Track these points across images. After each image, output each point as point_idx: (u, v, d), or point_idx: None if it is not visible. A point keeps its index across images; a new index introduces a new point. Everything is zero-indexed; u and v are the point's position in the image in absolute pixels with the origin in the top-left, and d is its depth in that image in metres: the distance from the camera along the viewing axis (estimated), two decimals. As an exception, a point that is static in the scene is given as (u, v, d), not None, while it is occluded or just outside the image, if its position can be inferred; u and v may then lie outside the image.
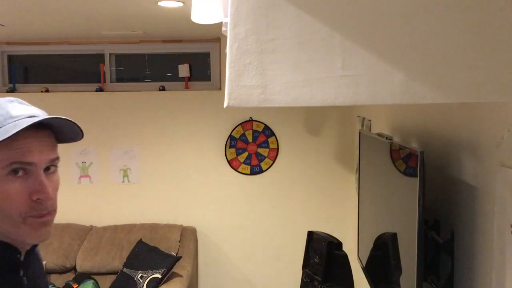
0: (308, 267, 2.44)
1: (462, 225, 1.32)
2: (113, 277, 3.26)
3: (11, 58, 4.10)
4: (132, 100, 3.86)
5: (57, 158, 0.92)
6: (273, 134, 3.67)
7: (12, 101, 0.90)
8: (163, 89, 3.91)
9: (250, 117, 3.73)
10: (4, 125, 0.85)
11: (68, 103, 3.79)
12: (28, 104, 0.93)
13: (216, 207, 3.77)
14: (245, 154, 3.72)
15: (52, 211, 0.91)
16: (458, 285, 1.35)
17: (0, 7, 2.64)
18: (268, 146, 3.70)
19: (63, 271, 3.40)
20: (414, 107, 1.83)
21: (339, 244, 2.32)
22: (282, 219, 3.78)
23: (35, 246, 1.02)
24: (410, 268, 1.37)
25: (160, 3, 2.53)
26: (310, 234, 2.46)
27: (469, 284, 1.28)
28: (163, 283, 3.05)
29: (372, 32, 0.75)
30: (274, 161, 3.72)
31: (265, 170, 3.73)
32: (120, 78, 4.13)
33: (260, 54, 0.76)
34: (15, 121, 0.85)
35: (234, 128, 3.70)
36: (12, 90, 4.00)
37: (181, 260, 3.22)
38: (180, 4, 2.55)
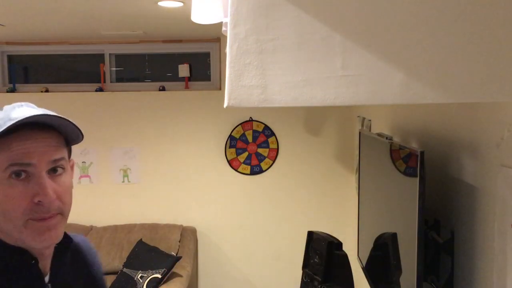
0: (308, 267, 2.44)
1: (462, 225, 1.32)
2: (113, 277, 3.26)
3: (11, 58, 4.10)
4: (132, 100, 3.86)
5: (62, 159, 0.88)
6: (273, 134, 3.67)
7: (21, 106, 0.88)
8: (163, 89, 3.91)
9: (250, 117, 3.73)
10: (2, 128, 0.83)
11: (68, 103, 3.79)
12: (40, 108, 0.89)
13: (216, 207, 3.77)
14: (245, 154, 3.71)
15: (57, 214, 0.86)
16: (458, 285, 1.35)
17: (0, 7, 2.64)
18: (268, 146, 3.70)
19: (63, 271, 3.40)
20: (414, 107, 1.83)
21: (339, 244, 2.32)
22: (282, 219, 3.78)
23: (65, 251, 0.98)
24: (410, 268, 1.37)
25: (160, 3, 2.53)
26: (310, 234, 2.46)
27: (469, 284, 1.28)
28: (163, 283, 3.05)
29: (372, 32, 0.75)
30: (274, 161, 3.72)
31: (265, 170, 3.73)
32: (120, 78, 4.13)
33: (260, 54, 0.76)
34: (12, 123, 0.82)
35: (234, 128, 3.70)
36: (12, 90, 4.00)
37: (181, 260, 3.22)
38: (180, 4, 2.55)
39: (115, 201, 3.81)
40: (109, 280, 3.30)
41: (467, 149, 1.31)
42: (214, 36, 3.80)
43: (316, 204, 3.76)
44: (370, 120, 2.77)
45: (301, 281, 2.52)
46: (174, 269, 3.14)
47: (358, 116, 3.18)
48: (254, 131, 3.69)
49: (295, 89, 0.76)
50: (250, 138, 3.71)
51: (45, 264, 0.93)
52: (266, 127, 3.69)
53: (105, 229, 3.59)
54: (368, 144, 2.17)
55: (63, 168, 0.89)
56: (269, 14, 0.75)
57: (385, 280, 1.81)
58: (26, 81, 4.20)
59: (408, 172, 1.46)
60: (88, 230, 3.60)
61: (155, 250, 3.26)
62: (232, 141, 3.71)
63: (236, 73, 0.76)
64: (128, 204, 3.78)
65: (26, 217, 0.84)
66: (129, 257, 3.26)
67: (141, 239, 3.39)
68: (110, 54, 4.02)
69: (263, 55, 0.75)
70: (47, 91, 3.97)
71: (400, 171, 1.59)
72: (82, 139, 0.95)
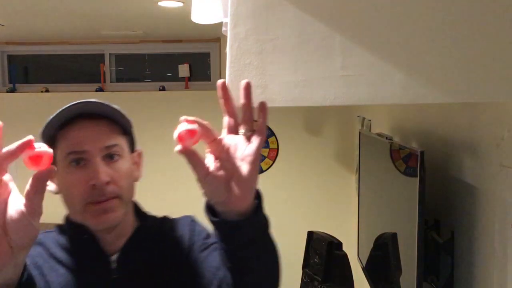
0: (308, 267, 2.44)
1: (462, 225, 1.32)
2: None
3: (11, 58, 4.10)
4: (132, 100, 3.86)
5: (115, 146, 0.94)
6: (273, 134, 3.67)
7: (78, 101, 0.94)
8: (163, 89, 3.92)
9: (250, 117, 3.72)
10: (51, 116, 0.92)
11: (68, 103, 3.78)
12: (109, 103, 0.96)
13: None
14: (245, 154, 3.71)
15: (114, 198, 0.92)
16: (458, 285, 1.35)
17: (0, 7, 2.64)
18: (268, 146, 3.70)
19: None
20: (414, 107, 1.83)
21: (339, 244, 2.32)
22: (282, 219, 3.78)
23: (142, 233, 1.00)
24: (410, 268, 1.37)
25: (160, 3, 2.53)
26: (310, 234, 2.47)
27: (469, 284, 1.28)
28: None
29: (372, 32, 0.75)
30: (274, 161, 3.72)
31: (265, 170, 3.73)
32: (120, 78, 4.13)
33: (260, 54, 0.76)
34: (59, 111, 0.92)
35: (234, 128, 3.69)
36: (12, 90, 4.00)
37: (181, 260, 3.22)
38: (180, 4, 2.55)
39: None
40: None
41: (467, 149, 1.31)
42: (214, 36, 3.80)
43: (316, 204, 3.76)
44: (370, 120, 2.77)
45: (301, 281, 2.52)
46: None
47: (358, 116, 3.18)
48: (254, 131, 3.69)
49: (295, 89, 0.76)
50: (250, 138, 3.70)
51: (113, 243, 0.97)
52: (267, 127, 3.69)
53: (105, 229, 3.59)
54: (368, 144, 2.17)
55: (119, 155, 0.95)
56: (269, 14, 0.75)
57: (385, 280, 1.81)
58: (26, 81, 4.20)
59: (408, 172, 1.46)
60: (88, 230, 3.60)
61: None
62: (232, 141, 3.71)
63: (236, 73, 0.76)
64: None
65: (84, 201, 0.91)
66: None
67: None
68: (110, 54, 4.02)
69: (263, 55, 0.75)
70: (47, 91, 3.97)
71: (400, 171, 1.59)
72: (131, 127, 1.01)
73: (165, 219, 1.09)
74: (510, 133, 1.07)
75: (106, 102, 0.94)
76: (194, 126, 0.66)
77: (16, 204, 0.63)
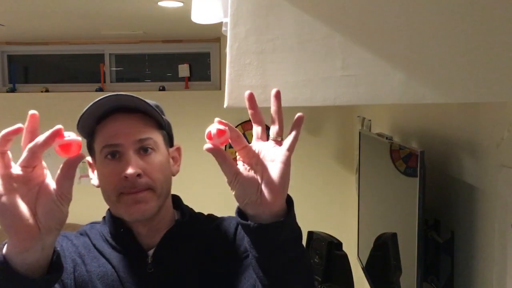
0: (308, 267, 2.43)
1: (462, 225, 1.32)
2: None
3: (11, 58, 4.10)
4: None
5: (149, 139, 0.96)
6: (273, 134, 3.66)
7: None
8: (163, 89, 3.91)
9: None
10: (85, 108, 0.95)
11: (68, 103, 3.78)
12: (144, 99, 0.97)
13: (216, 207, 3.76)
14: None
15: (146, 190, 0.94)
16: (458, 285, 1.35)
17: (0, 7, 2.64)
18: (268, 146, 3.69)
19: (63, 271, 3.40)
20: (414, 107, 1.83)
21: (339, 244, 2.32)
22: (282, 219, 3.78)
23: (179, 229, 1.01)
24: (410, 268, 1.37)
25: (160, 3, 2.53)
26: (310, 234, 2.46)
27: (469, 284, 1.28)
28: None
29: (372, 32, 0.75)
30: (274, 161, 3.71)
31: (265, 170, 3.72)
32: (120, 78, 4.13)
33: (260, 54, 0.76)
34: (92, 102, 0.94)
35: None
36: (12, 90, 4.00)
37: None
38: (180, 4, 2.55)
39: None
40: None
41: (467, 149, 1.31)
42: (214, 36, 3.80)
43: (316, 204, 3.76)
44: (370, 120, 2.77)
45: (301, 281, 2.52)
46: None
47: (358, 116, 3.18)
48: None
49: (295, 89, 0.76)
50: (250, 138, 3.70)
51: (150, 237, 0.99)
52: (266, 127, 3.68)
53: (105, 229, 3.59)
54: (368, 144, 2.17)
55: (153, 148, 0.97)
56: (269, 14, 0.75)
57: (385, 280, 1.81)
58: (26, 81, 4.20)
59: (408, 172, 1.46)
60: (88, 230, 3.60)
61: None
62: (232, 141, 3.71)
63: (236, 73, 0.76)
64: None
65: (117, 192, 0.94)
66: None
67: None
68: (110, 54, 4.02)
69: (263, 55, 0.75)
70: (47, 91, 3.97)
71: (400, 171, 1.59)
72: (166, 124, 1.03)
73: (209, 217, 1.09)
74: (510, 133, 1.07)
75: (141, 97, 0.96)
76: (224, 127, 0.69)
77: (48, 189, 0.68)
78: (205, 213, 1.14)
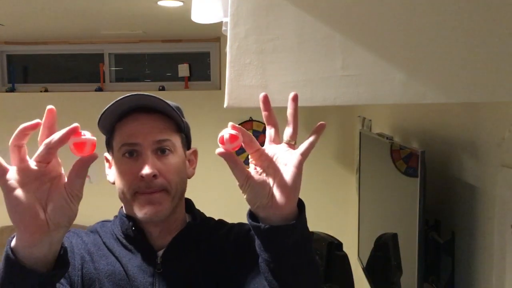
0: (308, 267, 2.43)
1: (463, 225, 1.32)
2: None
3: (10, 58, 4.09)
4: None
5: (167, 140, 0.97)
6: (273, 134, 3.67)
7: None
8: (162, 89, 3.91)
9: (250, 117, 3.72)
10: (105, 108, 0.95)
11: (67, 103, 3.78)
12: (166, 100, 0.98)
13: (216, 207, 3.76)
14: (245, 154, 3.69)
15: (161, 190, 0.94)
16: (459, 285, 1.34)
17: (0, 7, 2.64)
18: (268, 146, 3.70)
19: (62, 271, 3.40)
20: (415, 107, 1.83)
21: (339, 245, 2.32)
22: (282, 219, 3.78)
23: (190, 230, 1.02)
24: (411, 268, 1.37)
25: (159, 3, 2.53)
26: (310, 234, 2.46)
27: (470, 284, 1.28)
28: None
29: (372, 32, 0.75)
30: (274, 161, 3.71)
31: (265, 170, 3.72)
32: (120, 78, 4.12)
33: (260, 54, 0.75)
34: (114, 101, 0.94)
35: (234, 128, 3.69)
36: (11, 90, 4.00)
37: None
38: (180, 4, 2.54)
39: (115, 201, 3.80)
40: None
41: (468, 149, 1.31)
42: (214, 36, 3.80)
43: (316, 204, 3.75)
44: (370, 120, 2.77)
45: (301, 281, 2.51)
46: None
47: (358, 116, 3.18)
48: (254, 131, 3.69)
49: (295, 89, 0.76)
50: (250, 138, 3.70)
51: (161, 238, 1.00)
52: (263, 129, 3.69)
53: (105, 229, 3.59)
54: (369, 144, 2.17)
55: (170, 150, 0.97)
56: (269, 14, 0.75)
57: (385, 281, 1.81)
58: (26, 81, 4.20)
59: (409, 172, 1.46)
60: (88, 230, 3.60)
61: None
62: (232, 141, 3.70)
63: (236, 73, 0.76)
64: (127, 204, 3.77)
65: (133, 191, 0.95)
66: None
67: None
68: (109, 54, 4.02)
69: (263, 55, 0.75)
70: (46, 90, 3.97)
71: (400, 171, 1.58)
72: (185, 126, 1.04)
73: (220, 223, 1.10)
74: (511, 133, 1.07)
75: (163, 98, 0.96)
76: (237, 132, 0.70)
77: (59, 186, 0.68)
78: (213, 206, 1.15)
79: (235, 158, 0.71)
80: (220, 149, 0.70)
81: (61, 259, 0.73)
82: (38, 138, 0.68)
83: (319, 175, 3.72)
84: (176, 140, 1.00)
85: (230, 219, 1.15)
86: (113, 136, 0.98)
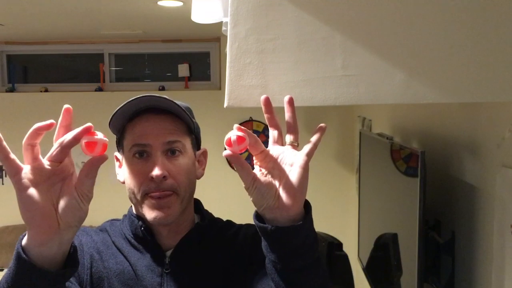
0: (308, 267, 2.43)
1: (463, 225, 1.32)
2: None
3: (10, 58, 4.09)
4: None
5: (177, 142, 0.96)
6: (273, 134, 3.66)
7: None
8: (162, 88, 3.91)
9: (250, 117, 3.72)
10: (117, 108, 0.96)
11: (67, 103, 3.73)
12: (177, 101, 0.98)
13: (216, 207, 3.75)
14: (245, 154, 3.70)
15: (171, 194, 0.94)
16: (459, 285, 1.34)
17: (0, 7, 2.64)
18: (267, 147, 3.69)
19: (62, 271, 3.40)
20: (415, 107, 1.83)
21: (339, 245, 2.32)
22: (282, 219, 3.77)
23: (198, 231, 1.02)
24: (411, 268, 1.37)
25: (159, 3, 2.53)
26: (310, 234, 2.45)
27: (470, 284, 1.28)
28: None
29: (372, 32, 0.75)
30: (274, 161, 3.71)
31: (265, 170, 3.72)
32: (120, 77, 4.12)
33: (260, 54, 0.75)
34: (126, 102, 0.95)
35: (234, 128, 3.69)
36: (11, 90, 4.00)
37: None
38: (180, 4, 2.54)
39: (115, 201, 3.80)
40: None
41: (468, 149, 1.31)
42: (214, 36, 3.80)
43: (316, 204, 3.71)
44: (370, 120, 2.76)
45: (301, 281, 2.51)
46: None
47: (359, 116, 3.18)
48: (254, 131, 3.69)
49: (296, 89, 0.76)
50: (250, 138, 3.70)
51: (170, 238, 1.00)
52: (266, 127, 3.68)
53: (105, 229, 3.59)
54: (369, 144, 2.17)
55: (181, 151, 0.97)
56: (269, 13, 0.75)
57: (385, 281, 1.81)
58: (26, 80, 4.20)
59: (409, 172, 1.46)
60: (88, 230, 3.60)
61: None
62: (232, 141, 3.70)
63: (236, 73, 0.76)
64: (128, 204, 3.77)
65: (143, 192, 0.94)
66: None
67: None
68: (109, 54, 4.02)
69: (263, 55, 0.75)
70: (46, 90, 3.97)
71: (400, 171, 1.58)
72: (195, 127, 1.03)
73: (228, 223, 1.10)
74: (511, 133, 1.07)
75: (174, 100, 0.96)
76: (244, 134, 0.70)
77: (70, 186, 0.68)
78: (212, 206, 1.16)
79: (242, 160, 0.71)
80: (227, 151, 0.70)
81: (71, 258, 0.73)
82: (54, 137, 0.68)
83: (319, 175, 3.72)
84: (186, 141, 1.00)
85: (228, 217, 1.15)
86: (124, 136, 0.99)
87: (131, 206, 1.03)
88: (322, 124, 0.77)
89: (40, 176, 0.66)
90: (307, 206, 0.77)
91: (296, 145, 0.76)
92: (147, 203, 0.95)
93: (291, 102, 0.74)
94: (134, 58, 4.14)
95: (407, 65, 0.74)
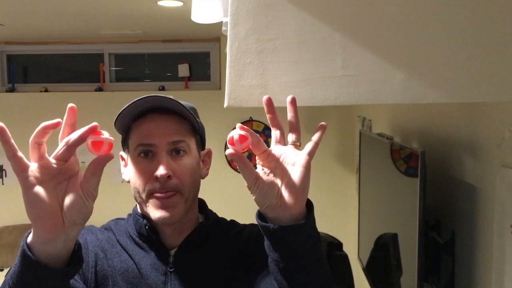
0: (308, 267, 2.43)
1: (463, 226, 1.32)
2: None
3: (10, 58, 4.09)
4: (132, 100, 3.85)
5: (182, 142, 0.97)
6: (273, 134, 3.66)
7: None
8: (162, 88, 3.91)
9: (250, 117, 3.72)
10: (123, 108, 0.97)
11: (67, 103, 3.73)
12: (182, 102, 0.98)
13: (216, 207, 3.75)
14: (245, 154, 3.71)
15: (175, 194, 0.95)
16: (459, 285, 1.34)
17: (0, 7, 2.64)
18: (268, 146, 3.69)
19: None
20: (415, 107, 1.83)
21: (339, 245, 2.32)
22: (282, 219, 3.77)
23: (201, 230, 1.02)
24: (411, 268, 1.37)
25: (159, 3, 2.53)
26: (310, 234, 2.46)
27: (470, 284, 1.28)
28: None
29: (373, 32, 0.75)
30: (274, 161, 3.71)
31: (265, 170, 3.72)
32: (120, 78, 4.12)
33: (260, 54, 0.75)
34: (131, 102, 0.96)
35: (234, 128, 3.69)
36: (11, 90, 4.00)
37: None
38: (180, 4, 2.54)
39: (115, 201, 3.80)
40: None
41: (468, 149, 1.31)
42: (214, 36, 3.80)
43: (316, 204, 3.71)
44: (370, 120, 2.77)
45: (301, 281, 2.51)
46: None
47: (359, 116, 3.18)
48: (254, 131, 3.68)
49: (296, 89, 0.76)
50: (250, 138, 3.70)
51: (174, 238, 1.01)
52: (266, 127, 3.68)
53: (105, 229, 3.58)
54: (369, 144, 2.17)
55: (185, 151, 0.98)
56: (269, 13, 0.75)
57: (385, 281, 1.81)
58: (26, 80, 4.20)
59: (409, 172, 1.46)
60: (88, 230, 3.60)
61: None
62: (232, 141, 3.70)
63: (236, 72, 0.76)
64: (128, 204, 3.76)
65: (148, 191, 0.95)
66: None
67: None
68: (109, 54, 4.01)
69: (263, 55, 0.75)
70: (46, 91, 3.96)
71: (400, 171, 1.58)
72: (200, 127, 1.04)
73: (232, 223, 1.11)
74: (511, 133, 1.07)
75: (179, 100, 0.97)
76: (246, 133, 0.71)
77: (76, 184, 0.70)
78: (212, 206, 1.16)
79: (245, 159, 0.72)
80: (230, 150, 0.71)
81: (75, 256, 0.74)
82: (59, 136, 0.69)
83: (319, 175, 3.72)
84: (191, 141, 1.00)
85: (228, 217, 1.15)
86: (129, 135, 1.00)
87: (136, 205, 1.04)
88: (322, 123, 0.77)
89: (46, 174, 0.67)
90: (309, 206, 0.77)
91: (298, 145, 0.76)
92: (152, 202, 0.95)
93: (293, 101, 0.75)
94: (134, 58, 4.14)
95: (407, 65, 0.74)
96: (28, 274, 0.69)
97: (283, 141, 0.77)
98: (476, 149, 1.26)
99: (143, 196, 0.96)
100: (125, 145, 1.02)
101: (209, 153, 1.09)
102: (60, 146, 0.68)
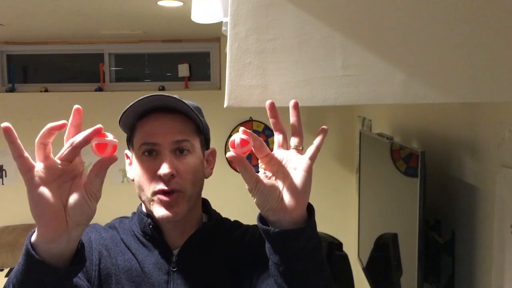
0: (308, 267, 2.43)
1: (463, 225, 1.32)
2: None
3: (10, 58, 4.09)
4: (132, 100, 3.84)
5: (186, 141, 0.97)
6: (273, 134, 3.66)
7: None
8: (162, 88, 3.91)
9: (250, 117, 3.72)
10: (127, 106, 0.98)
11: (67, 103, 3.77)
12: (187, 101, 0.99)
13: (216, 207, 3.75)
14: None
15: (179, 193, 0.95)
16: (459, 285, 1.34)
17: (0, 7, 2.64)
18: (268, 146, 3.69)
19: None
20: (415, 107, 1.83)
21: (339, 245, 2.32)
22: (282, 219, 3.77)
23: (205, 230, 1.03)
24: (411, 268, 1.37)
25: (160, 3, 2.53)
26: (310, 234, 2.45)
27: (470, 284, 1.28)
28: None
29: (373, 32, 0.75)
30: (274, 161, 3.71)
31: (265, 170, 3.72)
32: (120, 78, 4.12)
33: (260, 54, 0.75)
34: (135, 101, 0.96)
35: (234, 128, 3.69)
36: (11, 90, 4.00)
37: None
38: (180, 4, 2.54)
39: (115, 201, 3.80)
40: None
41: (468, 149, 1.31)
42: (214, 36, 3.80)
43: (316, 204, 3.71)
44: (370, 120, 2.76)
45: (301, 281, 2.51)
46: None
47: (359, 116, 3.18)
48: (254, 131, 3.67)
49: (296, 89, 0.76)
50: (250, 138, 3.70)
51: (178, 237, 1.01)
52: (266, 127, 3.68)
53: (105, 229, 3.58)
54: (369, 144, 2.17)
55: (189, 150, 0.98)
56: (269, 13, 0.75)
57: (385, 281, 1.81)
58: (26, 80, 4.20)
59: (409, 172, 1.46)
60: (88, 230, 3.60)
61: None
62: (232, 141, 3.70)
63: (236, 73, 0.76)
64: (128, 204, 3.76)
65: (152, 190, 0.96)
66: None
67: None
68: (109, 54, 4.01)
69: (263, 55, 0.75)
70: (46, 91, 3.96)
71: (400, 171, 1.58)
72: (204, 127, 1.05)
73: (236, 224, 1.12)
74: (511, 133, 1.07)
75: (184, 100, 0.97)
76: (248, 138, 0.71)
77: (80, 185, 0.70)
78: (213, 206, 1.17)
79: (246, 162, 0.72)
80: (231, 153, 0.71)
81: (79, 256, 0.74)
82: (65, 137, 0.70)
83: (319, 175, 3.70)
84: (195, 141, 1.01)
85: (228, 217, 1.15)
86: (134, 134, 1.00)
87: (141, 203, 1.04)
88: (324, 126, 0.78)
89: (51, 175, 0.68)
90: (310, 210, 0.77)
91: (300, 149, 0.77)
92: (156, 201, 0.96)
93: (296, 106, 0.75)
94: (134, 58, 4.14)
95: (407, 65, 0.74)
96: (31, 273, 0.70)
97: (285, 145, 0.78)
98: (476, 149, 1.26)
99: (148, 194, 0.97)
100: (130, 143, 1.03)
101: (213, 153, 1.10)
102: (65, 147, 0.69)
